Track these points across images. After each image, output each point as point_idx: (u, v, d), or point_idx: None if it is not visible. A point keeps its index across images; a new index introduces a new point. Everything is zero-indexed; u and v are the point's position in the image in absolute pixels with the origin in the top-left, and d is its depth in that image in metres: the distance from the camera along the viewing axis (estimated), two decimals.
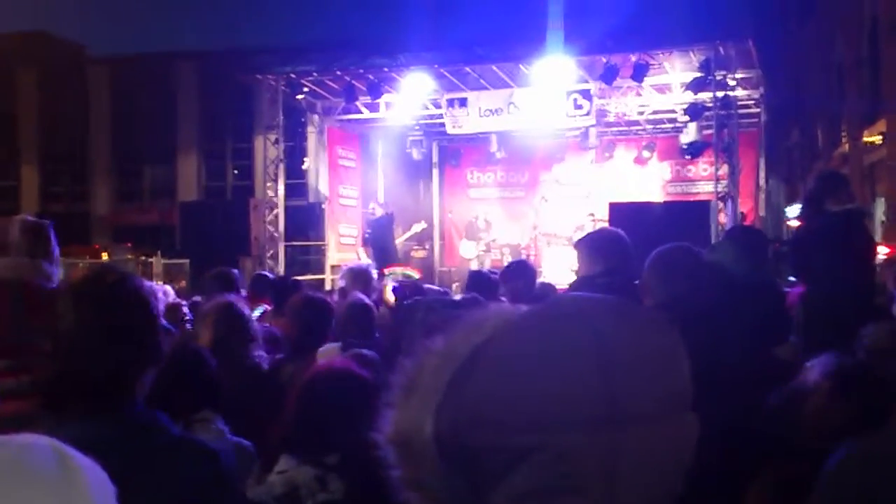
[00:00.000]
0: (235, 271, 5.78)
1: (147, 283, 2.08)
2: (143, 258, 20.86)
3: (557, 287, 8.04)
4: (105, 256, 23.27)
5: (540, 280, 7.48)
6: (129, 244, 26.34)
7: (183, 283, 16.93)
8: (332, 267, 15.67)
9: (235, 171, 33.66)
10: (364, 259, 14.89)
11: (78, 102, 33.78)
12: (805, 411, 2.60)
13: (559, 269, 14.66)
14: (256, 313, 6.00)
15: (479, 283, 6.17)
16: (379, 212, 14.92)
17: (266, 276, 7.83)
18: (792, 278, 7.05)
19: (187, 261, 16.87)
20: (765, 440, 2.86)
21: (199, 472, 1.85)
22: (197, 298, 6.80)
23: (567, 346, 0.84)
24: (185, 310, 6.27)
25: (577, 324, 0.86)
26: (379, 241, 14.50)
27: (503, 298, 5.37)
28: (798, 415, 2.61)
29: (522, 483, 0.83)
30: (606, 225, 11.14)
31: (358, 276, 6.35)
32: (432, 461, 0.89)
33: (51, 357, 1.85)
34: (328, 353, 3.85)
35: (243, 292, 6.14)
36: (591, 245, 4.10)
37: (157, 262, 19.92)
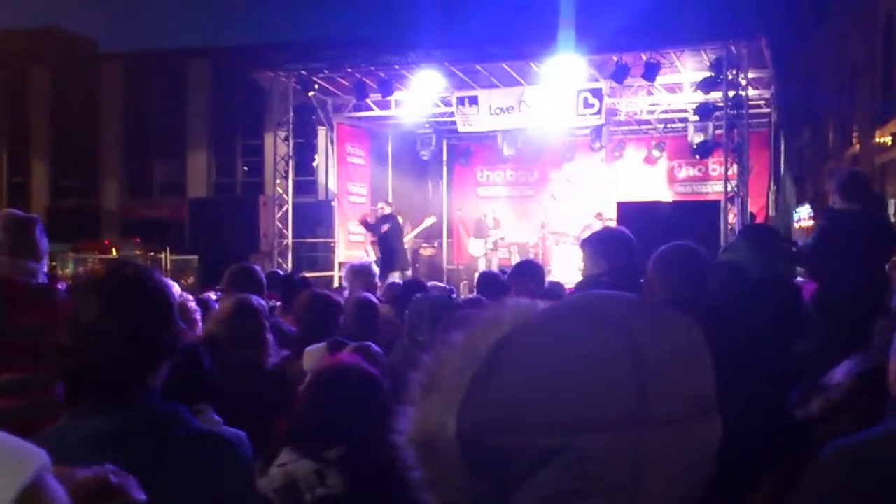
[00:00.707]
0: (258, 268, 5.76)
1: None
2: (152, 254, 20.95)
3: (566, 286, 8.03)
4: (114, 251, 23.38)
5: (549, 279, 7.46)
6: (138, 239, 26.45)
7: (191, 279, 17.00)
8: (341, 264, 15.67)
9: (245, 168, 33.76)
10: (372, 256, 14.89)
11: (89, 98, 33.92)
12: (823, 410, 2.58)
13: (567, 268, 14.64)
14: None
15: (490, 284, 6.15)
16: (387, 210, 14.85)
17: (277, 273, 7.86)
18: (800, 278, 7.02)
19: (196, 257, 16.91)
20: (780, 438, 2.85)
21: (221, 463, 1.87)
22: (207, 294, 6.81)
23: (600, 345, 0.83)
24: (193, 305, 6.26)
25: (609, 323, 0.85)
26: (387, 242, 14.44)
27: None
28: (816, 413, 2.60)
29: (546, 485, 0.82)
30: (614, 224, 11.12)
31: (359, 274, 6.35)
32: (454, 461, 0.87)
33: (68, 350, 1.86)
34: (315, 353, 3.84)
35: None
36: (597, 244, 4.10)
37: (167, 257, 20.00)
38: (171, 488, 1.76)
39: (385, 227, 14.36)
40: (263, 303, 4.28)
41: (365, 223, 15.15)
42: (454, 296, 5.83)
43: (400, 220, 15.13)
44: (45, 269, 3.89)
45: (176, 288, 7.62)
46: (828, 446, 2.11)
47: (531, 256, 15.19)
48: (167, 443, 1.82)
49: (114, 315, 1.84)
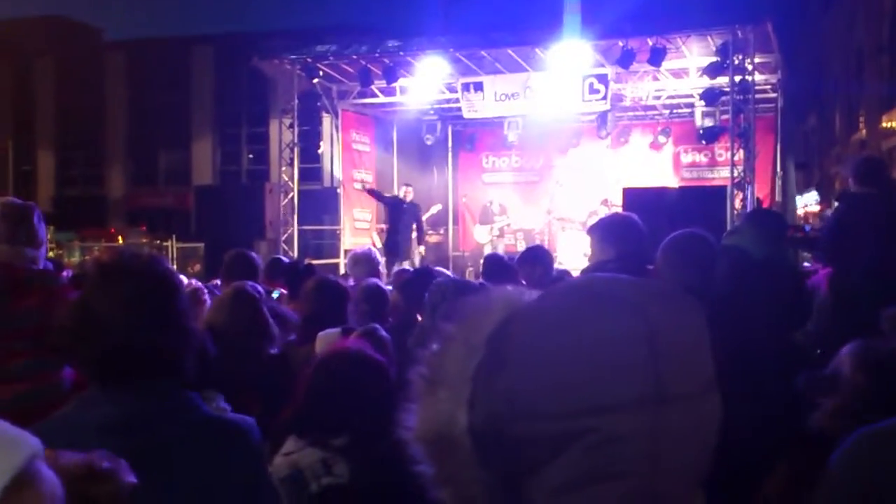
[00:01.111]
0: (254, 254, 5.78)
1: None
2: (158, 242, 20.98)
3: (572, 273, 8.01)
4: (120, 239, 23.43)
5: (555, 266, 7.45)
6: (144, 227, 26.49)
7: (198, 267, 17.03)
8: (346, 251, 15.69)
9: (250, 156, 33.76)
10: (378, 243, 14.88)
11: (94, 86, 33.91)
12: (831, 398, 2.56)
13: (573, 254, 14.63)
14: (273, 296, 6.01)
15: (496, 268, 6.10)
16: (410, 195, 14.72)
17: (281, 259, 7.84)
18: (807, 264, 6.99)
19: (202, 244, 16.93)
20: (787, 427, 2.84)
21: (232, 449, 1.89)
22: (214, 282, 6.81)
23: (614, 328, 0.82)
24: (206, 294, 6.26)
25: (620, 305, 0.84)
26: (396, 232, 14.36)
27: (523, 283, 5.32)
28: (823, 402, 2.58)
29: (563, 470, 0.81)
30: (620, 210, 11.09)
31: (361, 261, 6.34)
32: (466, 455, 0.86)
33: (78, 337, 1.86)
34: (328, 338, 3.84)
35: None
36: (604, 230, 4.09)
37: (173, 245, 20.03)
38: (183, 475, 1.77)
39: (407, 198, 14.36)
40: (259, 288, 4.28)
41: (373, 192, 15.12)
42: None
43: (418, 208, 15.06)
44: (46, 256, 3.90)
45: (183, 279, 7.65)
46: (854, 433, 2.11)
47: (537, 242, 15.14)
48: (179, 429, 1.82)
49: (125, 303, 1.84)
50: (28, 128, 35.62)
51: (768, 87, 15.58)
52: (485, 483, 0.87)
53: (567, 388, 0.81)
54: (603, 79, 14.33)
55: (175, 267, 12.97)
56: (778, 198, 16.65)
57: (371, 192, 15.53)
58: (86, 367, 1.89)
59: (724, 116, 13.91)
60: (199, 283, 6.64)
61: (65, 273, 6.35)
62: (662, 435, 0.81)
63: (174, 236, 20.43)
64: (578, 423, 0.81)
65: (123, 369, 1.83)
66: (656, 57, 13.26)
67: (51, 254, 15.91)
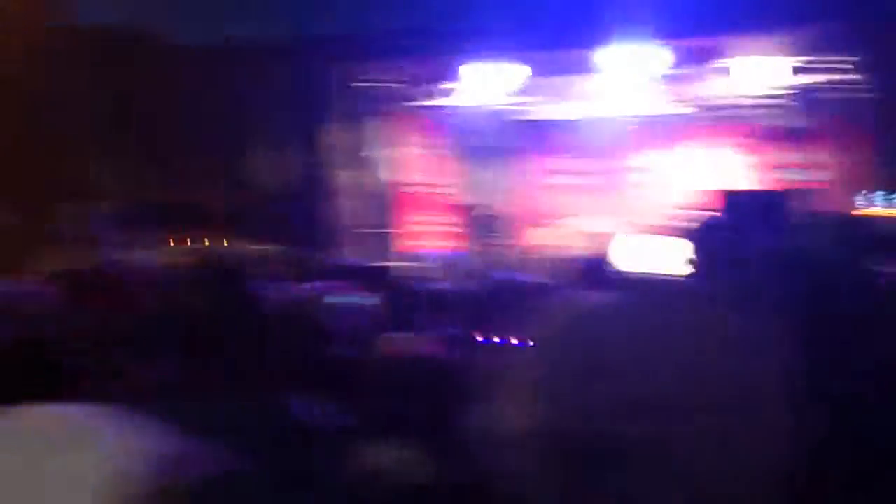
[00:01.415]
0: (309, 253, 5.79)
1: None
2: (225, 244, 21.42)
3: (660, 276, 7.81)
4: (201, 242, 23.98)
5: (632, 270, 7.26)
6: (217, 230, 27.08)
7: (271, 271, 17.30)
8: (412, 255, 15.98)
9: (310, 160, 34.40)
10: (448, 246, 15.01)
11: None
12: None
13: (651, 259, 14.37)
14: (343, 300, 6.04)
15: (592, 271, 5.96)
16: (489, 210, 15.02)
17: (345, 261, 7.88)
18: None
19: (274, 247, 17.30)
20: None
21: None
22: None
23: (667, 336, 0.92)
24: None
25: (658, 323, 0.94)
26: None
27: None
28: None
29: (623, 473, 0.92)
30: (705, 213, 10.87)
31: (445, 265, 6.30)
32: (534, 455, 0.97)
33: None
34: (397, 340, 3.81)
35: None
36: (691, 234, 4.00)
37: (242, 247, 20.42)
38: None
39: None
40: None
41: (459, 210, 15.44)
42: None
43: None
44: (117, 258, 3.96)
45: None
46: None
47: (610, 246, 14.98)
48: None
49: (221, 309, 1.87)
50: None
51: (855, 85, 15.17)
52: (549, 481, 0.95)
53: (628, 395, 0.89)
54: (675, 79, 14.14)
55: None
56: (866, 198, 16.28)
57: (451, 207, 15.79)
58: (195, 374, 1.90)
59: (813, 116, 13.68)
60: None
61: (134, 275, 6.43)
62: (709, 443, 0.88)
63: (244, 239, 20.80)
64: (628, 428, 0.91)
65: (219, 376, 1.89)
66: (726, 56, 13.11)
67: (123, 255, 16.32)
